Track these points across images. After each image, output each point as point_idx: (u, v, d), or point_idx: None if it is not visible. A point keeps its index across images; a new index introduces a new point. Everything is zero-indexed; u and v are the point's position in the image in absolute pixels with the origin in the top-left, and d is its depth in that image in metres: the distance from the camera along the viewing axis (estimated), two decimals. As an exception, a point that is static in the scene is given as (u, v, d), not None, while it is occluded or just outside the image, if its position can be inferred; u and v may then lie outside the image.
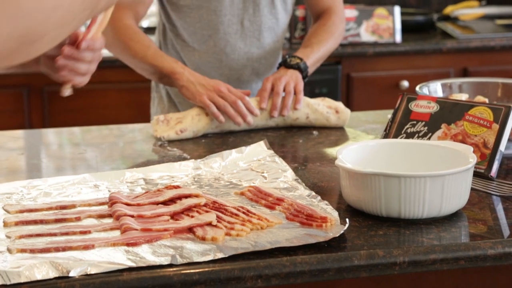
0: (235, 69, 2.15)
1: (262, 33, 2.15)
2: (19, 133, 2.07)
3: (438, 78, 3.54)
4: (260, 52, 2.17)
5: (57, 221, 1.31)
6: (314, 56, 2.10)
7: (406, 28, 3.60)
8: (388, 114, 2.08)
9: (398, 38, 3.48)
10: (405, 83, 3.47)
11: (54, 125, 3.01)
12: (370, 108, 3.04)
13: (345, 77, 3.41)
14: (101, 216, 1.35)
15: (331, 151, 1.79)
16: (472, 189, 1.49)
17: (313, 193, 1.43)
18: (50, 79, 3.18)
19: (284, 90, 1.97)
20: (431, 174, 1.32)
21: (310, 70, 2.07)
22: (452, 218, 1.35)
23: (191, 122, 1.87)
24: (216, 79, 2.06)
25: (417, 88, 1.86)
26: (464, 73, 3.56)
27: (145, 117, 2.83)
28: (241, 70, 2.16)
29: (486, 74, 3.51)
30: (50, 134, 2.08)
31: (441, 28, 3.74)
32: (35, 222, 1.31)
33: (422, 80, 3.57)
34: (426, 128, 1.66)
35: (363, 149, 1.50)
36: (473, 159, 1.39)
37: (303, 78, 2.04)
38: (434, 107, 1.68)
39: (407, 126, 1.69)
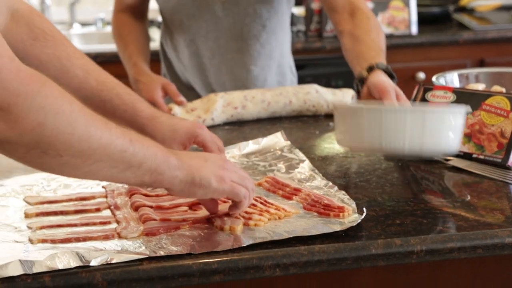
0: (241, 88, 2.10)
1: (264, 47, 2.11)
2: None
3: (455, 69, 3.55)
4: (241, 44, 2.09)
5: (77, 212, 1.33)
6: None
7: (422, 20, 3.60)
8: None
9: (414, 30, 3.47)
10: (421, 75, 3.47)
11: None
12: (387, 100, 3.04)
13: (361, 69, 3.40)
14: (119, 207, 1.36)
15: (348, 142, 1.80)
16: (489, 178, 1.50)
17: (330, 184, 1.44)
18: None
19: None
20: (412, 109, 1.38)
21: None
22: (469, 207, 1.35)
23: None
24: (210, 75, 2.12)
25: (433, 79, 1.86)
26: (481, 64, 3.55)
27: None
28: (247, 87, 2.11)
29: (503, 65, 3.48)
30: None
31: (457, 19, 3.73)
32: (55, 213, 1.32)
33: (439, 71, 3.55)
34: (442, 118, 1.66)
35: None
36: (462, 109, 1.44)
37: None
38: (450, 97, 1.68)
39: (424, 116, 1.69)
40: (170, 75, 2.21)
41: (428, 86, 1.73)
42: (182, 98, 1.96)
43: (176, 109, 1.94)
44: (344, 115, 1.45)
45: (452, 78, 1.88)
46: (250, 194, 1.26)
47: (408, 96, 1.85)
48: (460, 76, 1.90)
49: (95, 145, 1.06)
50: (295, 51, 2.63)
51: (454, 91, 1.69)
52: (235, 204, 1.26)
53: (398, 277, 1.31)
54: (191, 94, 2.15)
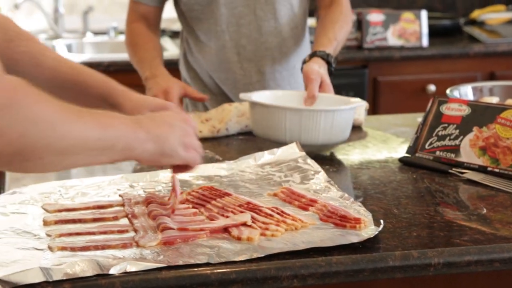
0: (255, 61, 2.15)
1: (277, 21, 2.14)
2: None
3: (465, 82, 3.55)
4: (279, 41, 2.15)
5: (95, 220, 1.34)
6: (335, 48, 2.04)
7: (433, 32, 3.61)
8: (417, 117, 2.09)
9: (425, 42, 3.48)
10: (432, 87, 3.47)
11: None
12: (397, 112, 3.04)
13: (372, 81, 3.42)
14: (137, 216, 1.36)
15: (362, 154, 1.80)
16: (504, 191, 1.50)
17: (346, 195, 1.45)
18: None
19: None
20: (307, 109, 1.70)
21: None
22: (485, 220, 1.36)
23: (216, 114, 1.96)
24: (238, 73, 2.13)
25: (447, 91, 1.87)
26: (491, 77, 3.55)
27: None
28: (261, 61, 2.15)
29: (514, 78, 3.51)
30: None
31: (467, 32, 3.74)
32: (73, 221, 1.33)
33: (449, 84, 3.56)
34: (457, 131, 1.67)
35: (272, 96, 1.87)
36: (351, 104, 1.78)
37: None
38: (465, 110, 1.69)
39: (438, 128, 1.70)
40: (195, 83, 2.21)
41: (442, 99, 1.73)
42: (203, 95, 2.02)
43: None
44: (264, 113, 1.74)
45: (466, 91, 1.89)
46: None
47: (419, 109, 1.88)
48: (474, 89, 1.91)
49: (73, 141, 1.10)
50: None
51: (469, 104, 1.69)
52: (186, 168, 1.31)
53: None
54: (218, 100, 2.17)
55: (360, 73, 3.40)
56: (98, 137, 1.13)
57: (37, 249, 1.21)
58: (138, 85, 3.16)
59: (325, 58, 1.95)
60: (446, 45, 3.53)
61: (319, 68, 1.90)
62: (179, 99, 1.99)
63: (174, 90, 1.98)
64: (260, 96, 1.83)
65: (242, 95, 1.84)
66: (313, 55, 1.96)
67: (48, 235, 1.26)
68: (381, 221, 1.28)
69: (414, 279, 1.29)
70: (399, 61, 3.44)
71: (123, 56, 3.22)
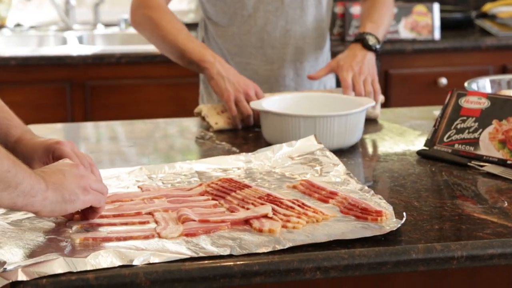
0: (278, 48, 2.14)
1: (304, 10, 2.14)
2: (59, 126, 2.10)
3: (477, 75, 3.52)
4: (303, 31, 2.15)
5: (116, 216, 1.32)
6: (382, 32, 2.09)
7: (444, 26, 3.59)
8: (433, 110, 2.09)
9: (437, 35, 3.47)
10: (444, 80, 3.46)
11: (95, 119, 3.05)
12: (408, 105, 3.03)
13: (384, 73, 3.41)
14: (155, 210, 1.35)
15: (379, 147, 1.80)
16: (524, 185, 1.50)
17: (366, 187, 1.44)
18: (91, 74, 3.23)
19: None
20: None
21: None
22: (507, 214, 1.35)
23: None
24: (259, 59, 2.10)
25: (465, 84, 1.86)
26: (503, 70, 3.54)
27: (185, 112, 2.84)
28: (284, 49, 2.15)
29: (526, 72, 3.50)
30: (90, 128, 2.10)
31: (479, 25, 3.73)
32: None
33: (461, 77, 3.57)
34: (476, 124, 1.66)
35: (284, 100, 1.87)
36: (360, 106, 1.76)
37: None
38: (485, 103, 1.68)
39: (457, 121, 1.69)
40: None
41: (461, 92, 1.73)
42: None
43: (205, 111, 1.94)
44: (277, 121, 1.74)
45: (484, 84, 1.88)
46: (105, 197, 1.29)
47: (431, 102, 1.88)
48: (492, 82, 1.90)
49: None
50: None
51: (488, 97, 1.68)
52: (95, 210, 1.27)
53: (433, 282, 1.31)
54: None
55: (371, 66, 3.39)
56: (8, 169, 1.12)
57: (58, 239, 1.21)
58: (149, 77, 3.18)
59: (363, 42, 2.01)
60: (458, 38, 3.52)
61: (346, 57, 1.99)
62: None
63: (252, 91, 1.93)
64: (271, 103, 1.81)
65: (253, 104, 1.83)
66: (354, 40, 2.04)
67: (70, 226, 1.26)
68: (404, 214, 1.28)
69: (431, 272, 1.28)
70: (411, 54, 3.43)
71: (134, 48, 3.23)
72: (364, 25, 2.09)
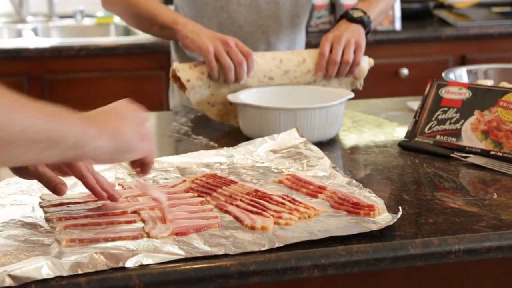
0: (250, 42, 2.05)
1: (278, 6, 2.06)
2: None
3: (437, 66, 3.56)
4: (277, 26, 2.08)
5: (101, 216, 1.26)
6: (375, 10, 1.96)
7: (404, 16, 3.59)
8: (406, 101, 2.07)
9: (398, 25, 3.46)
10: (405, 71, 3.46)
11: (55, 113, 2.96)
12: (372, 96, 3.02)
13: (346, 64, 3.38)
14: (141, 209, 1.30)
15: (359, 139, 1.77)
16: (509, 175, 1.48)
17: (354, 181, 1.41)
18: (49, 68, 3.12)
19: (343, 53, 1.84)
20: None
21: (373, 25, 1.94)
22: (498, 206, 1.34)
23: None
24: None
25: (443, 75, 1.84)
26: (462, 61, 3.56)
27: (148, 106, 2.77)
28: (256, 43, 2.07)
29: (484, 61, 3.50)
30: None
31: (437, 15, 3.74)
32: (80, 217, 1.26)
33: (422, 68, 3.59)
34: (458, 114, 1.65)
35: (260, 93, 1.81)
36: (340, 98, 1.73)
37: (366, 34, 1.91)
38: (466, 94, 1.66)
39: (438, 112, 1.67)
40: (183, 58, 2.08)
41: (441, 82, 1.71)
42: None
43: (177, 65, 1.82)
44: (256, 114, 1.69)
45: (461, 74, 1.87)
46: None
47: (392, 93, 1.84)
48: (468, 72, 1.89)
49: (13, 130, 0.98)
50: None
51: (469, 87, 1.67)
52: (144, 163, 1.21)
53: (426, 276, 1.30)
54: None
55: (333, 57, 3.37)
56: (43, 128, 1.01)
57: (44, 242, 1.15)
58: (110, 70, 3.10)
59: (352, 19, 1.90)
60: (418, 29, 3.52)
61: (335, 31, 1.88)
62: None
63: (231, 41, 1.80)
64: (248, 96, 1.76)
65: (230, 96, 1.75)
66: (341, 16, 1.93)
67: (53, 228, 1.20)
68: (400, 208, 1.25)
69: (424, 266, 1.26)
70: (372, 44, 3.40)
71: (94, 40, 3.16)
72: (356, 4, 1.99)
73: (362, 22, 1.90)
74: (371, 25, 1.92)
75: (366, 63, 1.92)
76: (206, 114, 1.84)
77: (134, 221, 1.24)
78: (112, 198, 1.27)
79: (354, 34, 1.86)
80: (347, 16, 1.91)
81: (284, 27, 2.10)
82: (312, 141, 1.63)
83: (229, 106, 1.82)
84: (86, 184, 1.25)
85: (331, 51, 1.85)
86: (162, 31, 1.91)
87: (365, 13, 1.91)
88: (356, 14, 1.91)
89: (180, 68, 1.80)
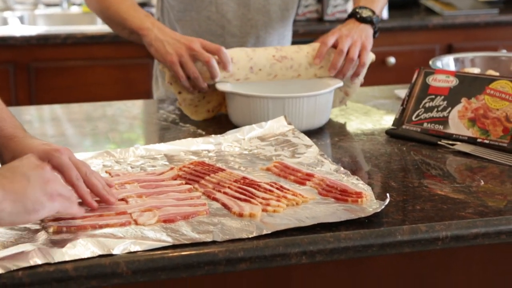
0: (238, 37, 2.04)
1: (268, 0, 2.05)
2: None
3: (424, 54, 3.56)
4: (266, 20, 2.06)
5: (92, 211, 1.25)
6: (378, 6, 1.90)
7: (390, 5, 3.59)
8: (394, 89, 2.08)
9: (385, 14, 3.46)
10: (392, 60, 3.47)
11: (41, 102, 2.95)
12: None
13: (333, 53, 3.38)
14: (129, 196, 1.30)
15: (347, 127, 1.77)
16: (497, 163, 1.49)
17: (341, 168, 1.41)
18: (36, 56, 3.11)
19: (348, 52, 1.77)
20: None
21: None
22: (485, 193, 1.34)
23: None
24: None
25: (430, 63, 1.85)
26: (449, 49, 3.57)
27: (134, 95, 2.78)
28: (245, 37, 2.05)
29: (470, 50, 3.51)
30: (42, 110, 2.00)
31: (424, 4, 3.74)
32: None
33: (408, 56, 3.60)
34: (445, 102, 1.65)
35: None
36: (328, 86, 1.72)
37: (374, 34, 1.85)
38: (453, 81, 1.67)
39: (425, 100, 1.68)
40: None
41: (428, 70, 1.71)
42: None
43: (169, 78, 1.76)
44: (244, 103, 1.68)
45: (448, 62, 1.87)
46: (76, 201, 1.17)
47: (379, 82, 1.82)
48: (455, 60, 1.89)
49: None
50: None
51: (456, 75, 1.67)
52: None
53: (412, 263, 1.30)
54: None
55: (320, 46, 3.37)
56: None
57: (31, 229, 1.15)
58: (96, 58, 3.09)
59: (354, 13, 1.84)
60: (405, 17, 3.53)
61: (337, 31, 1.80)
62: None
63: (196, 44, 1.72)
64: (237, 85, 1.75)
65: (219, 85, 1.72)
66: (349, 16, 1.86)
67: (41, 221, 1.19)
68: (388, 195, 1.25)
69: (411, 253, 1.26)
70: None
71: (80, 28, 3.14)
72: (358, 2, 1.91)
73: (372, 22, 1.84)
74: (379, 25, 1.88)
75: (358, 82, 1.87)
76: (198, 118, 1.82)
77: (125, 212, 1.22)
78: (107, 202, 1.23)
79: (361, 35, 1.81)
80: (356, 16, 1.84)
81: (273, 21, 2.07)
82: (301, 129, 1.63)
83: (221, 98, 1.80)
84: (77, 193, 1.21)
85: (335, 46, 1.79)
86: (131, 36, 1.85)
87: (373, 12, 1.85)
88: (365, 13, 1.84)
89: (173, 81, 1.76)
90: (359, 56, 1.79)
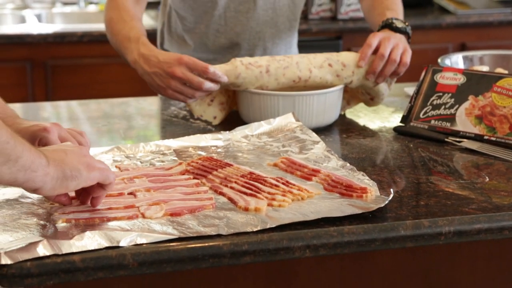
0: (246, 49, 2.07)
1: (276, 12, 2.06)
2: (18, 106, 2.04)
3: (437, 53, 3.56)
4: (274, 32, 2.08)
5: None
6: (400, 16, 1.90)
7: (404, 4, 3.58)
8: (404, 87, 2.09)
9: (399, 13, 3.46)
10: (405, 58, 3.47)
11: (57, 99, 2.98)
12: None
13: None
14: (137, 190, 1.32)
15: (355, 124, 1.79)
16: (503, 160, 1.50)
17: (347, 164, 1.43)
18: (52, 53, 3.15)
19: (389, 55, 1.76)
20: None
21: None
22: (490, 189, 1.35)
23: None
24: (227, 58, 1.89)
25: (439, 60, 1.86)
26: (462, 48, 3.57)
27: (149, 92, 2.78)
28: (252, 50, 2.07)
29: (484, 49, 3.51)
30: (58, 108, 2.04)
31: (438, 3, 3.74)
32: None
33: (422, 55, 3.60)
34: (452, 100, 1.66)
35: None
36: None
37: None
38: (460, 79, 1.68)
39: (433, 98, 1.69)
40: None
41: (437, 68, 1.72)
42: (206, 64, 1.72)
43: (198, 110, 1.77)
44: (255, 100, 1.70)
45: (457, 60, 1.88)
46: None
47: (397, 79, 1.82)
48: (464, 58, 1.90)
49: None
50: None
51: (464, 72, 1.68)
52: (103, 186, 1.21)
53: (416, 258, 1.31)
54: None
55: (334, 44, 3.38)
56: (7, 140, 1.05)
57: (40, 221, 1.17)
58: (112, 56, 3.11)
59: (388, 24, 1.82)
60: (418, 16, 3.53)
61: (375, 36, 1.79)
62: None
63: (177, 69, 1.68)
64: None
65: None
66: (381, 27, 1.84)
67: (50, 214, 1.22)
68: (391, 190, 1.27)
69: (414, 248, 1.28)
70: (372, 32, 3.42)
71: (96, 26, 3.17)
72: (383, 14, 1.88)
73: (406, 32, 1.84)
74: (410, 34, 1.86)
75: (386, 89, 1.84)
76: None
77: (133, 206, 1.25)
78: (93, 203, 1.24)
79: (401, 40, 1.80)
80: (391, 26, 1.83)
81: (281, 32, 2.09)
82: (311, 127, 1.65)
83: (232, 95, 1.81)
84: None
85: (377, 49, 1.77)
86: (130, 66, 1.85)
87: (405, 23, 1.85)
88: (399, 24, 1.83)
89: (202, 112, 1.77)
90: (401, 56, 1.77)
